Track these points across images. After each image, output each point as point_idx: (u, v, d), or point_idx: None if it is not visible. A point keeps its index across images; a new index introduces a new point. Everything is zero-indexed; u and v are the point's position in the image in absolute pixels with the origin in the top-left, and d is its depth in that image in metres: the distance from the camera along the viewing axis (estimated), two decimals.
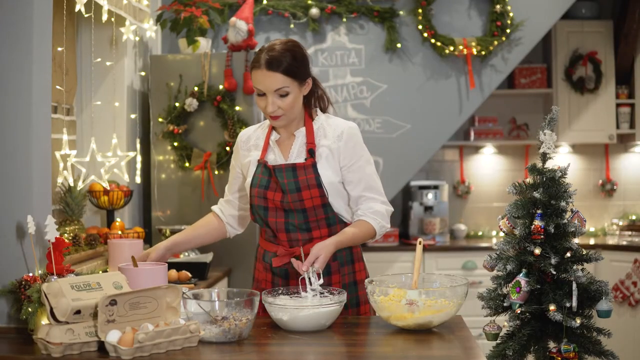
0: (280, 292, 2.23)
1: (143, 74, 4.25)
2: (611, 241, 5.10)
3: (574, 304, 2.22)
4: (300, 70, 2.34)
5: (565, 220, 2.30)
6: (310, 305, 2.09)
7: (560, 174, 2.32)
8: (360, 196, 2.43)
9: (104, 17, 3.34)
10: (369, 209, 2.42)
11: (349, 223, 2.45)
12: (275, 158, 2.42)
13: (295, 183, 2.34)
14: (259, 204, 2.40)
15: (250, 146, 2.49)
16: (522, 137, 5.49)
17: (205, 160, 4.01)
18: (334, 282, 2.41)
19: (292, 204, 2.35)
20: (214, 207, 2.65)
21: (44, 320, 1.99)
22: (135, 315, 1.93)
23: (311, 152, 2.38)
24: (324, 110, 2.51)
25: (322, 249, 2.27)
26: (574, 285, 2.23)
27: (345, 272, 2.44)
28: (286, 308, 2.09)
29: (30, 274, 2.23)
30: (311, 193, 2.34)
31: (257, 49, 4.11)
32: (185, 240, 2.54)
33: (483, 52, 4.64)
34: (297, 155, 2.41)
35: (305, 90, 2.39)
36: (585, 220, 2.33)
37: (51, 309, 1.88)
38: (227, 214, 2.61)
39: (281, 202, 2.36)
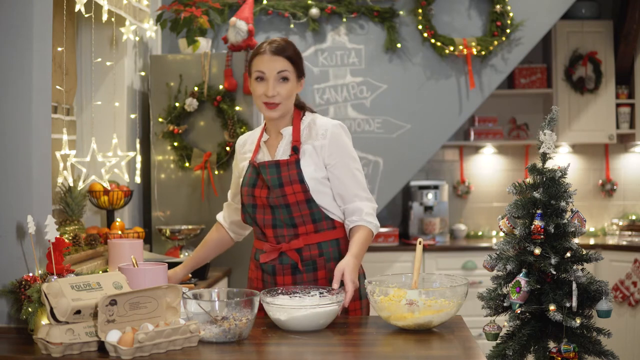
0: (279, 292, 2.24)
1: (143, 74, 4.25)
2: (611, 241, 5.10)
3: (574, 304, 2.22)
4: (300, 63, 2.47)
5: (565, 220, 2.30)
6: (308, 305, 2.09)
7: (560, 174, 2.32)
8: (346, 193, 2.45)
9: (104, 17, 3.34)
10: (359, 212, 2.44)
11: (336, 220, 2.46)
12: (263, 157, 2.51)
13: (278, 179, 2.39)
14: (249, 202, 2.48)
15: (246, 150, 2.59)
16: (522, 137, 5.49)
17: (205, 160, 4.01)
18: (319, 277, 2.43)
19: (277, 199, 2.40)
20: (218, 216, 2.76)
21: (44, 320, 1.99)
22: (135, 315, 1.93)
23: (295, 149, 2.44)
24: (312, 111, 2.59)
25: (344, 265, 2.31)
26: (574, 285, 2.23)
27: (332, 267, 2.42)
28: (284, 308, 2.10)
29: (30, 274, 2.23)
30: (293, 188, 2.38)
31: None
32: (197, 262, 2.72)
33: (483, 52, 4.63)
34: (282, 153, 2.48)
35: (299, 88, 2.49)
36: (585, 220, 2.33)
37: (51, 309, 1.88)
38: (230, 220, 2.72)
39: (267, 199, 2.42)
